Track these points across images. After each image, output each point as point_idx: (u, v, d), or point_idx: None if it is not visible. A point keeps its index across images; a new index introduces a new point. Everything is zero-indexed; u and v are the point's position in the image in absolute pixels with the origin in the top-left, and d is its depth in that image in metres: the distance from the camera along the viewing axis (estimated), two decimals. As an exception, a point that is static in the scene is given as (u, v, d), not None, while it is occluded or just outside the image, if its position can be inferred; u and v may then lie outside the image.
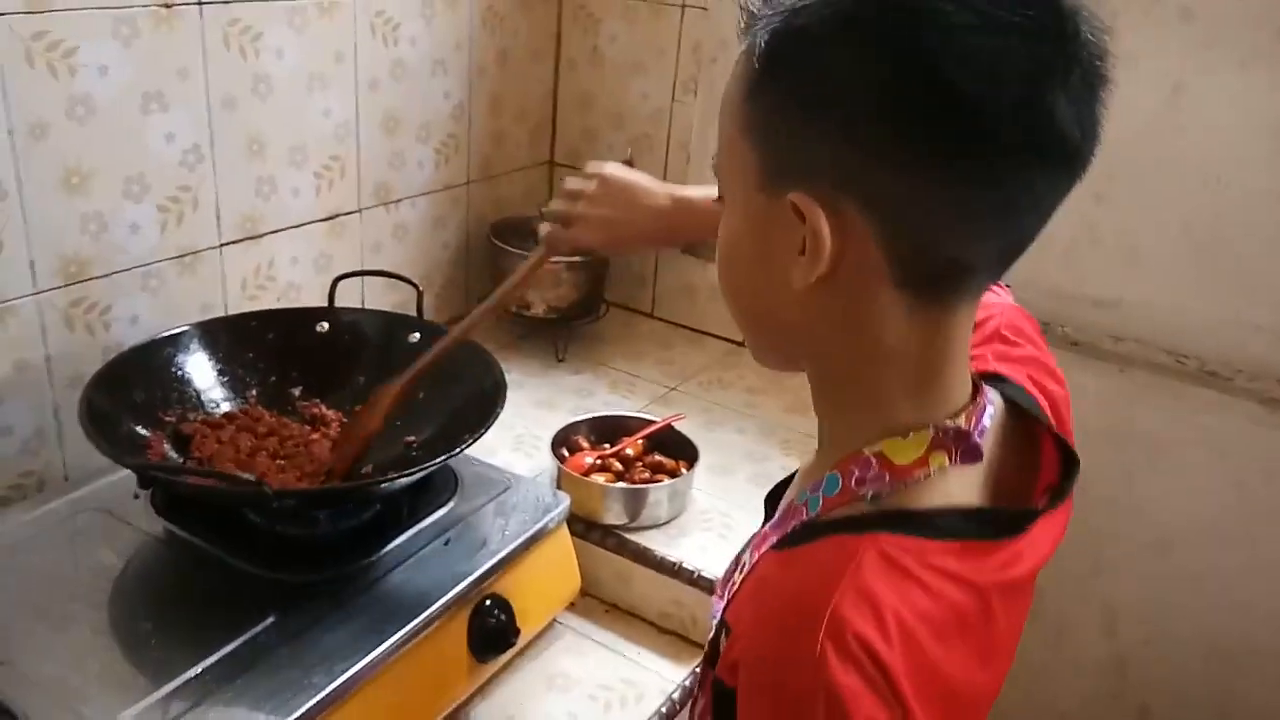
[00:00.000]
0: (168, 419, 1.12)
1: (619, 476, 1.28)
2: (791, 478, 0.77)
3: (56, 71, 1.10)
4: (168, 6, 1.19)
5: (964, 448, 0.60)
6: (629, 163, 1.07)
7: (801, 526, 0.62)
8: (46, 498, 1.13)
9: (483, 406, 1.08)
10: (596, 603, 1.25)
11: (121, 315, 1.25)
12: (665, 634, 1.22)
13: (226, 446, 1.10)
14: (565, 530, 1.17)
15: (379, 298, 1.62)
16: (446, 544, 1.07)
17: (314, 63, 1.40)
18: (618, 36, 1.79)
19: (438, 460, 0.99)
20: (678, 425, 1.36)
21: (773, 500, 0.76)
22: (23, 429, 1.18)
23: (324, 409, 1.23)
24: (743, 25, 0.59)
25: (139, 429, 1.07)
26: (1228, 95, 1.33)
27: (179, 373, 1.16)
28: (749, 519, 1.30)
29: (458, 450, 1.00)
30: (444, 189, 1.71)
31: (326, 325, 1.27)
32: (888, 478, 0.59)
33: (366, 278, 1.52)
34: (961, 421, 0.61)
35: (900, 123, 0.51)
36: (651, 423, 1.36)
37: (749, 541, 0.72)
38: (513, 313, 1.72)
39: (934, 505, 0.59)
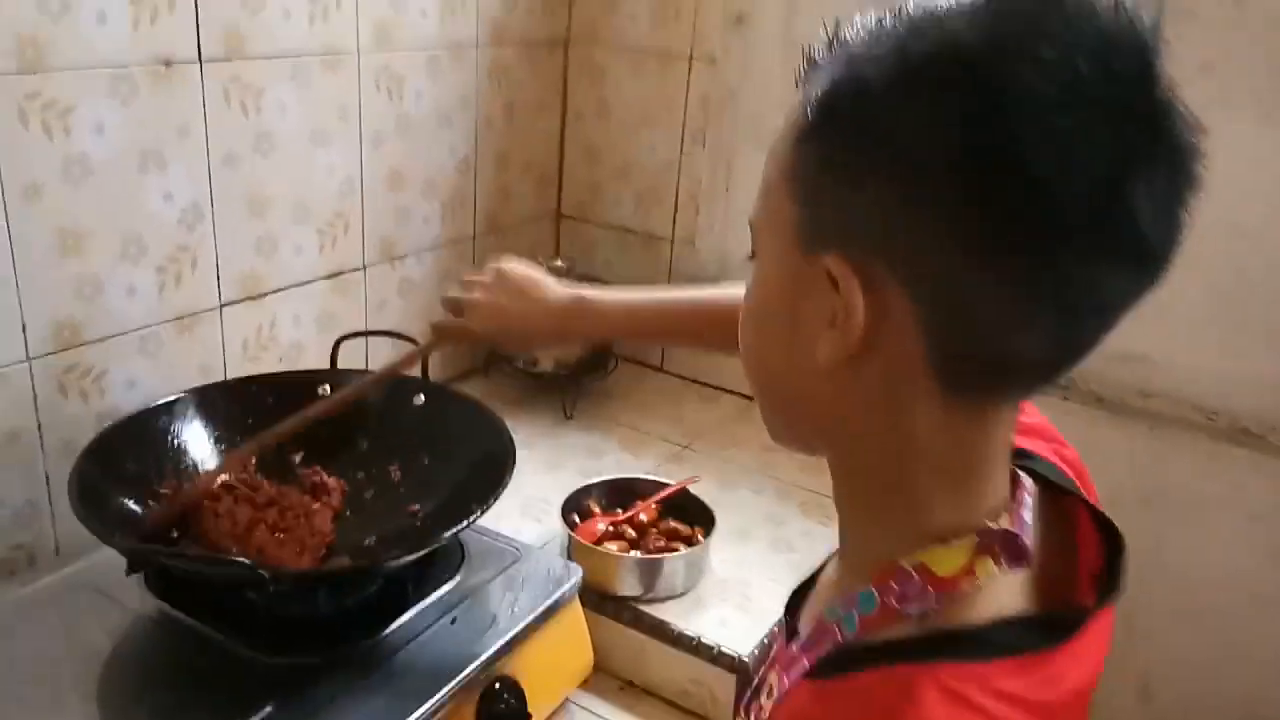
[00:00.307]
0: (163, 491, 1.07)
1: (633, 544, 1.23)
2: (813, 578, 0.71)
3: (52, 131, 1.07)
4: (167, 65, 1.16)
5: (1011, 551, 0.55)
6: (559, 270, 1.10)
7: (838, 652, 0.55)
8: (37, 574, 1.08)
9: (491, 473, 1.04)
10: (610, 679, 1.20)
11: (117, 380, 1.20)
12: (685, 713, 1.16)
13: (224, 519, 1.05)
14: (578, 604, 1.12)
15: (384, 358, 1.58)
16: (453, 622, 1.02)
17: (317, 119, 1.37)
18: (624, 88, 1.77)
19: (444, 536, 0.94)
20: (692, 488, 1.31)
21: (793, 603, 0.70)
22: (13, 499, 1.13)
23: (325, 477, 1.18)
24: (802, 71, 0.54)
25: (131, 503, 1.02)
26: (1250, 148, 1.30)
27: (175, 442, 1.12)
28: (770, 589, 1.24)
29: (466, 523, 0.95)
30: (450, 243, 1.67)
31: (328, 388, 1.23)
32: (932, 593, 0.53)
33: (371, 337, 1.48)
34: (1005, 521, 0.55)
35: (961, 199, 0.46)
36: (665, 485, 1.31)
37: (770, 655, 0.65)
38: (519, 368, 1.68)
39: (985, 619, 0.53)
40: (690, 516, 1.29)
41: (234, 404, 1.18)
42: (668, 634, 1.16)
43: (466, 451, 1.12)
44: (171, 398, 1.13)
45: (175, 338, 1.26)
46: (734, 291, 0.93)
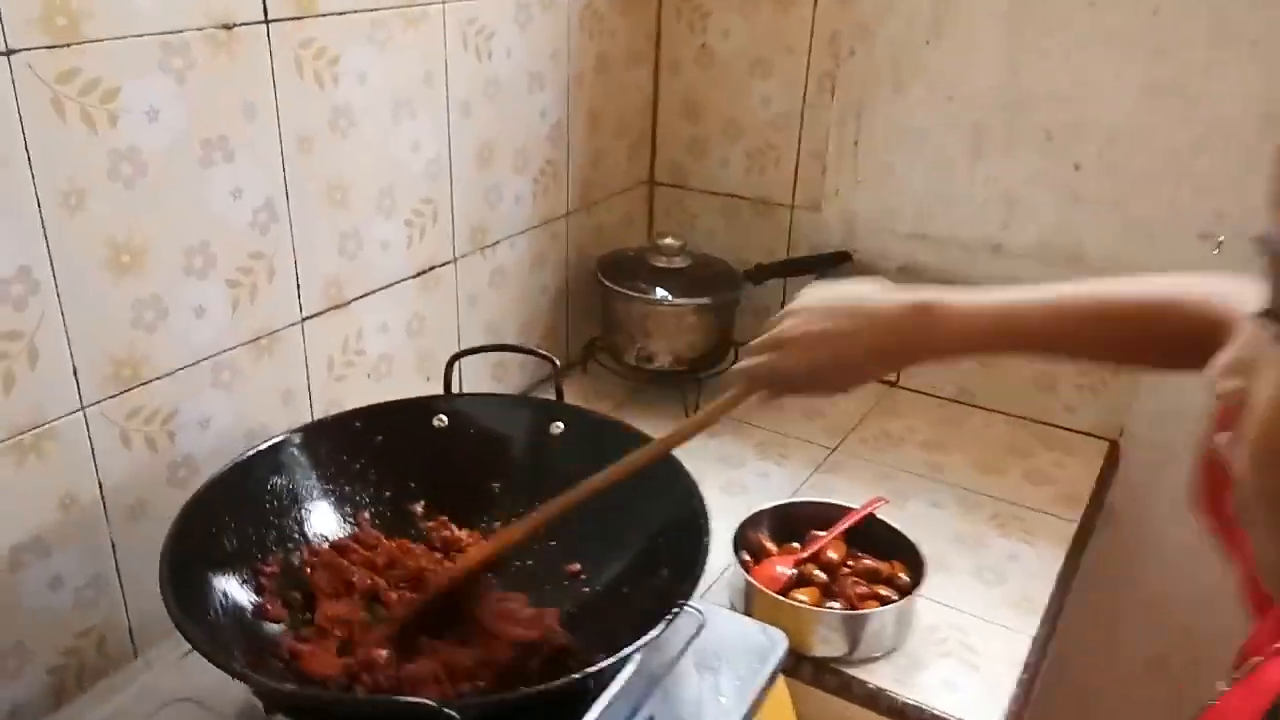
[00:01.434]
0: (268, 568, 0.85)
1: (825, 591, 1.01)
2: None
3: (94, 120, 0.84)
4: (228, 28, 0.92)
5: None
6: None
7: None
8: (109, 676, 0.87)
9: (680, 535, 0.82)
10: (813, 759, 0.99)
11: (188, 420, 0.98)
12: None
13: (352, 603, 0.84)
14: (783, 682, 0.90)
15: (489, 371, 1.37)
16: (651, 725, 0.81)
17: (400, 86, 1.13)
18: (732, 32, 1.52)
19: (657, 626, 0.71)
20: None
21: None
22: (73, 579, 0.92)
23: (455, 529, 0.96)
24: None
25: (240, 596, 0.80)
26: None
27: (275, 503, 0.90)
28: (994, 636, 1.03)
29: (677, 609, 0.73)
30: (542, 224, 1.44)
31: (445, 419, 1.01)
32: None
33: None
34: None
35: None
36: (846, 510, 1.09)
37: None
38: (628, 363, 1.45)
39: None
40: (879, 546, 1.07)
41: (338, 444, 0.96)
42: (889, 705, 0.95)
43: (632, 495, 0.90)
44: (268, 443, 0.91)
45: (253, 363, 1.04)
46: (1178, 285, 0.69)
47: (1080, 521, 1.23)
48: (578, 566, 0.91)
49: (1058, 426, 1.43)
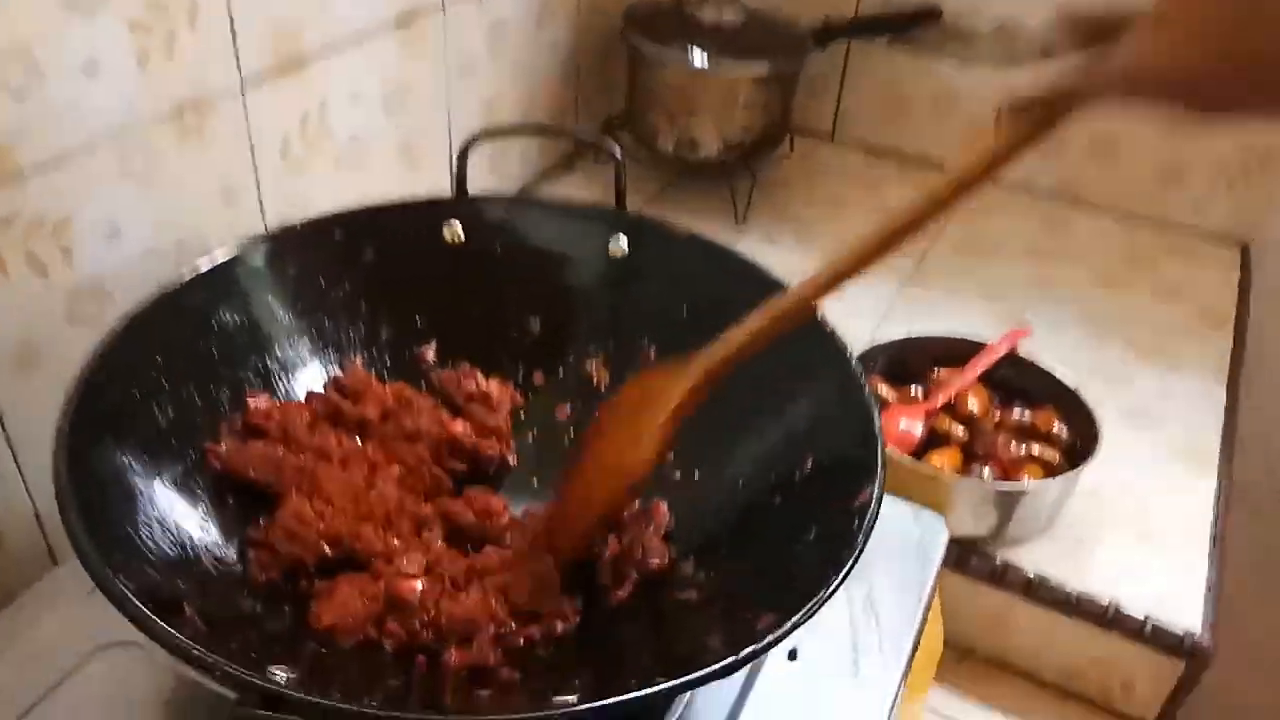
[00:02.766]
0: (221, 450, 0.58)
1: (967, 452, 0.78)
2: None
3: None
4: None
5: None
6: None
7: None
8: (16, 601, 0.61)
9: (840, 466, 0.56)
10: (947, 650, 0.78)
11: (89, 229, 0.68)
12: (1073, 700, 0.76)
13: (342, 483, 0.57)
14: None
15: (482, 162, 1.06)
16: (792, 657, 0.58)
17: None
18: None
19: (809, 605, 0.45)
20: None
21: None
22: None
23: (482, 380, 0.69)
24: None
25: (185, 503, 0.53)
26: None
27: (224, 350, 0.61)
28: (1165, 497, 0.81)
29: (852, 559, 0.47)
30: (551, -37, 1.09)
31: (460, 229, 0.71)
32: None
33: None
34: None
35: None
36: (977, 346, 0.85)
37: None
38: (661, 152, 1.15)
39: None
40: (1021, 390, 0.83)
41: (313, 266, 0.67)
42: (1054, 597, 0.74)
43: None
44: (206, 266, 0.61)
45: (176, 145, 0.73)
46: None
47: (1232, 344, 1.00)
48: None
49: (1183, 226, 1.18)
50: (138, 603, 0.41)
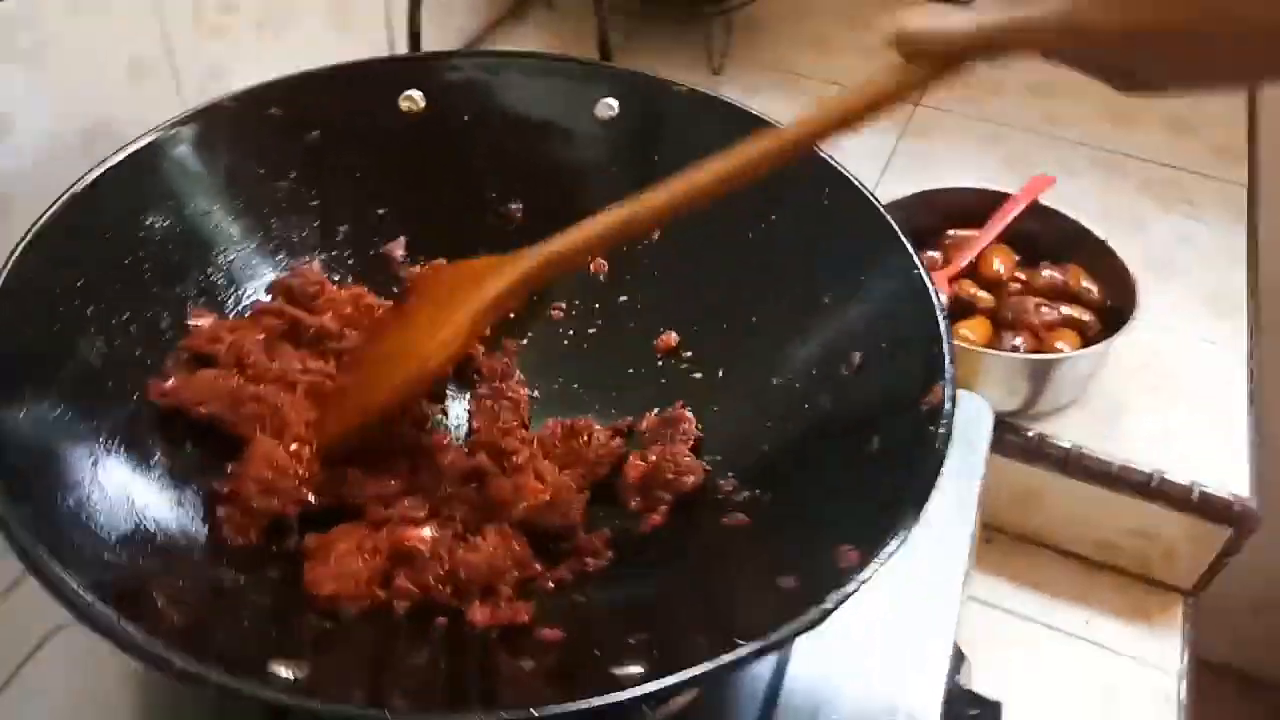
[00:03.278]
0: (166, 386, 0.49)
1: (994, 319, 0.71)
2: None
3: None
4: None
5: None
6: None
7: None
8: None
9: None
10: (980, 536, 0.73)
11: None
12: (1110, 572, 0.73)
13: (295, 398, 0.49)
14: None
15: (450, 8, 0.93)
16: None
17: None
18: None
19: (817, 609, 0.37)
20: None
21: None
22: None
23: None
24: None
25: (129, 458, 0.44)
26: None
27: (156, 262, 0.51)
28: (1196, 356, 0.76)
29: (916, 512, 0.39)
30: None
31: (419, 98, 0.61)
32: None
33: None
34: None
35: None
36: (995, 200, 0.77)
37: None
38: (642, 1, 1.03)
39: None
40: (1039, 247, 0.76)
41: (248, 151, 0.56)
42: (1092, 470, 0.69)
43: (759, 218, 0.55)
44: (120, 154, 0.50)
45: (68, 15, 0.60)
46: None
47: (1247, 182, 0.94)
48: (674, 339, 0.57)
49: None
50: (90, 599, 0.34)
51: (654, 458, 0.49)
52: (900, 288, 0.48)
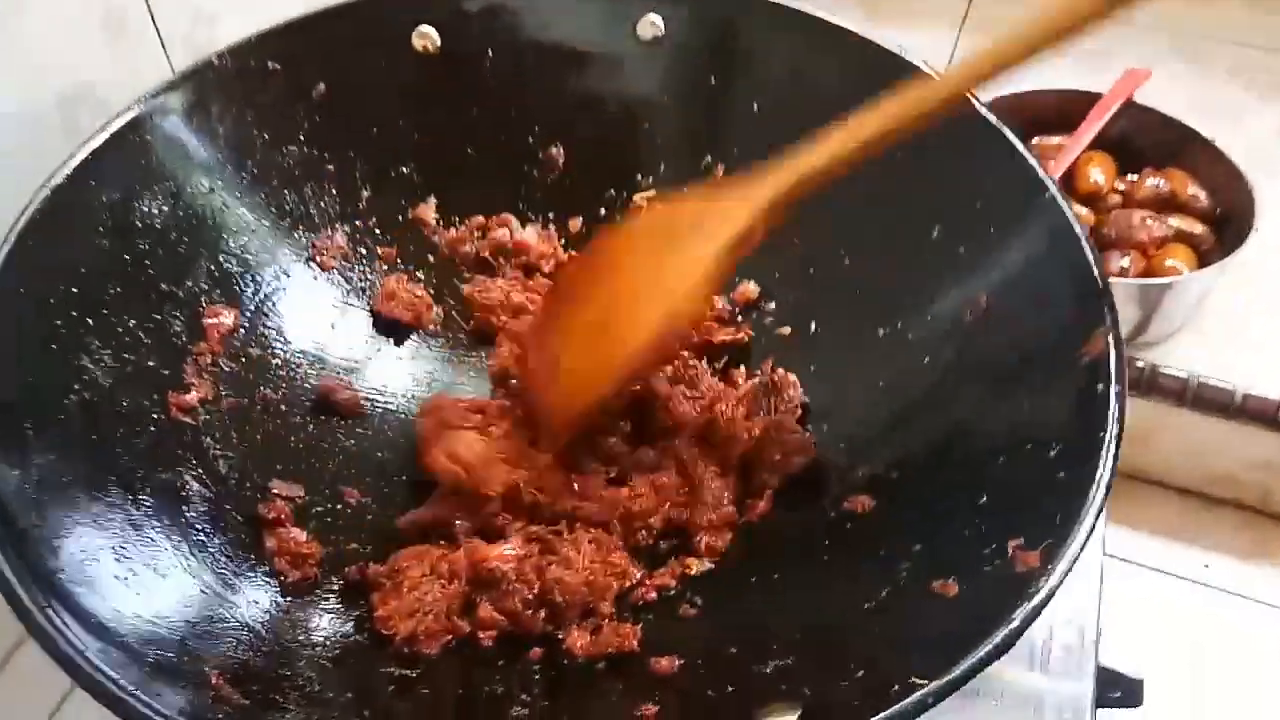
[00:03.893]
0: (186, 399, 0.42)
1: (1097, 238, 0.64)
2: None
3: None
4: None
5: None
6: None
7: None
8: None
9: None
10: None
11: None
12: (1224, 506, 0.67)
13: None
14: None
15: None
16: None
17: None
18: None
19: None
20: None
21: None
22: None
23: (516, 229, 0.53)
24: None
25: (157, 497, 0.38)
26: None
27: (156, 257, 0.44)
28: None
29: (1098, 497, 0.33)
30: None
31: (435, 35, 0.53)
32: None
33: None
34: None
35: None
36: (1086, 100, 0.69)
37: None
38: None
39: None
40: (1147, 150, 0.68)
41: (249, 118, 0.49)
42: (1212, 400, 0.62)
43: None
44: (103, 134, 0.43)
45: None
46: None
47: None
48: (754, 290, 0.50)
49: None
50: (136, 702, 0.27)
51: (757, 432, 0.43)
52: (1029, 220, 0.41)
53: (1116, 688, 0.50)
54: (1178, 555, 0.65)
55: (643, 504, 0.39)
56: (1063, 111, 0.69)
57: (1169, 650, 0.60)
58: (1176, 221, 0.63)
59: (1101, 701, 0.48)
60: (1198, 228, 0.63)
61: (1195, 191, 0.65)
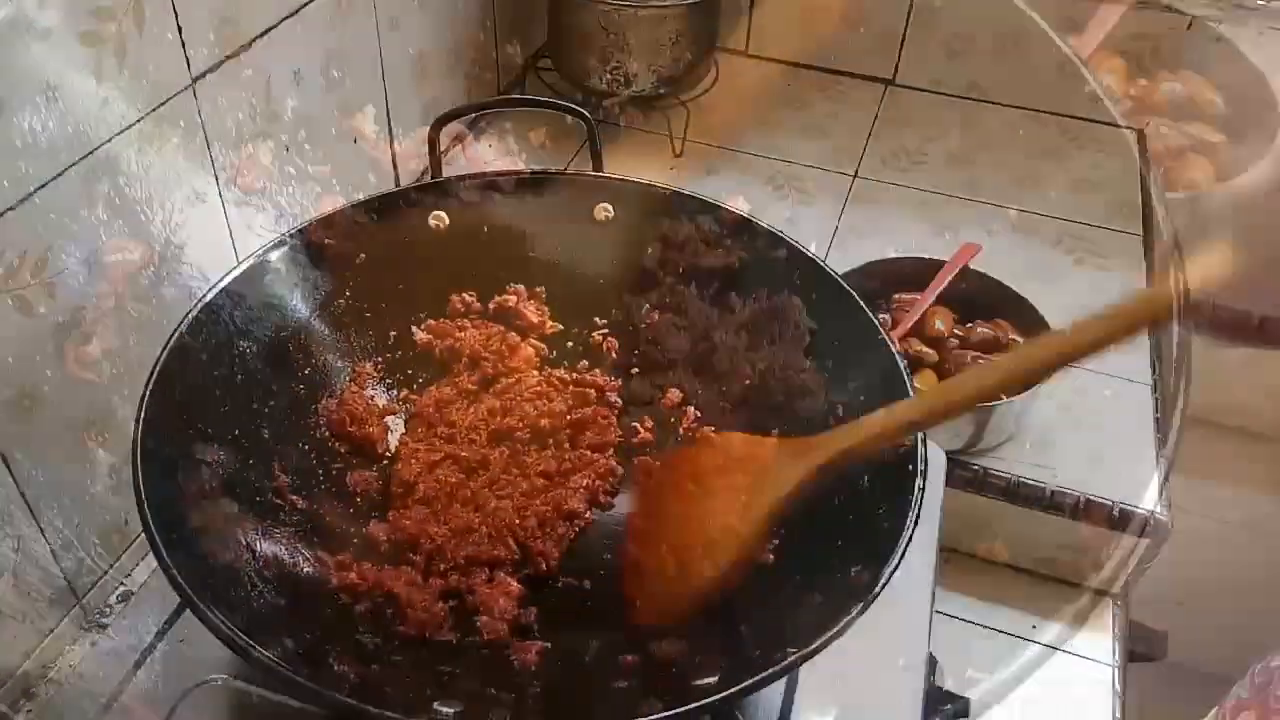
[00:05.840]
0: (278, 482, 0.58)
1: (939, 372, 0.84)
2: None
3: None
4: None
5: None
6: None
7: None
8: (75, 644, 0.61)
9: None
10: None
11: (67, 260, 0.66)
12: (1047, 581, 0.85)
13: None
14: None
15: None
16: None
17: None
18: None
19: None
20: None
21: None
22: None
23: (521, 304, 0.73)
24: None
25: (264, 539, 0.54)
26: None
27: (251, 378, 0.61)
28: (1112, 391, 0.90)
29: (907, 533, 0.51)
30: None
31: (444, 217, 0.72)
32: None
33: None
34: None
35: None
36: (933, 264, 0.90)
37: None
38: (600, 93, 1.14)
39: None
40: (979, 305, 0.89)
41: (319, 277, 0.67)
42: (1031, 495, 0.82)
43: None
44: (227, 277, 0.61)
45: (142, 154, 0.70)
46: None
47: (1143, 234, 1.09)
48: (676, 396, 0.68)
49: (1081, 119, 1.25)
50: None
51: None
52: (878, 363, 0.60)
53: (948, 703, 0.67)
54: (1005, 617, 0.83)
55: None
56: (918, 272, 0.90)
57: (998, 685, 0.77)
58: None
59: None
60: (1015, 365, 0.84)
61: (1015, 337, 0.86)
